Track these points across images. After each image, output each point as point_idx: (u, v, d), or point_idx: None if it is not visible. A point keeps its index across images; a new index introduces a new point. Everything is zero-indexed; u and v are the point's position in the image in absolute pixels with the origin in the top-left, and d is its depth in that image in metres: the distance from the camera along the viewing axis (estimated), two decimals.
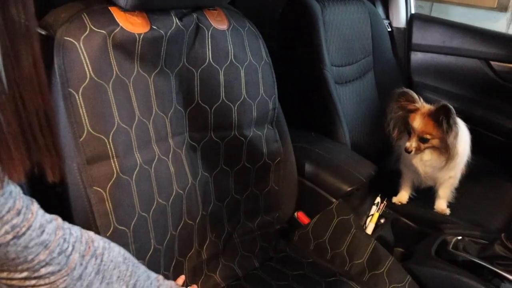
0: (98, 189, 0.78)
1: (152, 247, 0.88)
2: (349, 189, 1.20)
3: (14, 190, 0.54)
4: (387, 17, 1.83)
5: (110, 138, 0.78)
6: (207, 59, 0.96)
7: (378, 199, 1.34)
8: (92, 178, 0.77)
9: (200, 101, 0.97)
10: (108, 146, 0.78)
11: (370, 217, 1.31)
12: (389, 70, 1.75)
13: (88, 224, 0.79)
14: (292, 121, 1.21)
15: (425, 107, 1.24)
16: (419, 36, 1.79)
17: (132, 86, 0.83)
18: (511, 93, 1.62)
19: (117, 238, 0.81)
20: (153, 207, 0.88)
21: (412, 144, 1.22)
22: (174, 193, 0.92)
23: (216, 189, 1.05)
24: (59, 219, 0.62)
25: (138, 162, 0.84)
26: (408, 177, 1.40)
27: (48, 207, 0.61)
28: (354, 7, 1.61)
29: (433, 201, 1.39)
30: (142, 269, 0.72)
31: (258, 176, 1.12)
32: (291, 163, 1.20)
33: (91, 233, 0.66)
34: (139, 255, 0.85)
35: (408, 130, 1.24)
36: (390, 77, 1.74)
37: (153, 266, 0.89)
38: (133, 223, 0.83)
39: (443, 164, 1.24)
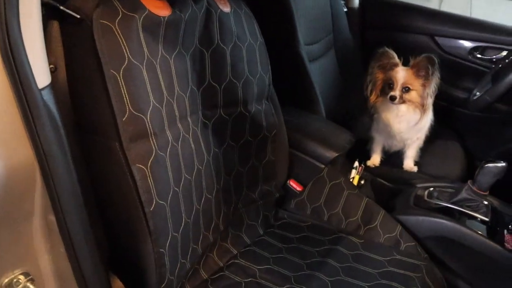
0: (141, 166, 0.82)
1: (183, 221, 0.94)
2: (336, 155, 1.32)
3: None
4: None
5: (148, 116, 0.82)
6: (216, 40, 1.01)
7: (356, 163, 1.48)
8: (135, 156, 0.81)
9: (211, 81, 1.02)
10: (147, 125, 0.82)
11: (352, 179, 1.45)
12: (347, 48, 1.89)
13: (133, 199, 0.83)
14: None
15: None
16: (372, 16, 1.96)
17: (159, 67, 0.86)
18: (452, 64, 1.86)
19: (158, 212, 0.86)
20: (182, 182, 0.93)
21: (396, 92, 1.38)
22: (195, 169, 0.98)
23: (224, 163, 1.11)
24: None
25: (170, 139, 0.88)
26: (379, 142, 1.57)
27: None
28: None
29: (401, 162, 1.57)
30: None
31: (258, 149, 1.20)
32: (284, 135, 1.30)
33: None
34: (175, 228, 0.91)
35: (389, 85, 1.40)
36: (348, 54, 1.88)
37: (185, 239, 0.96)
38: (169, 197, 0.88)
39: (417, 118, 1.42)
